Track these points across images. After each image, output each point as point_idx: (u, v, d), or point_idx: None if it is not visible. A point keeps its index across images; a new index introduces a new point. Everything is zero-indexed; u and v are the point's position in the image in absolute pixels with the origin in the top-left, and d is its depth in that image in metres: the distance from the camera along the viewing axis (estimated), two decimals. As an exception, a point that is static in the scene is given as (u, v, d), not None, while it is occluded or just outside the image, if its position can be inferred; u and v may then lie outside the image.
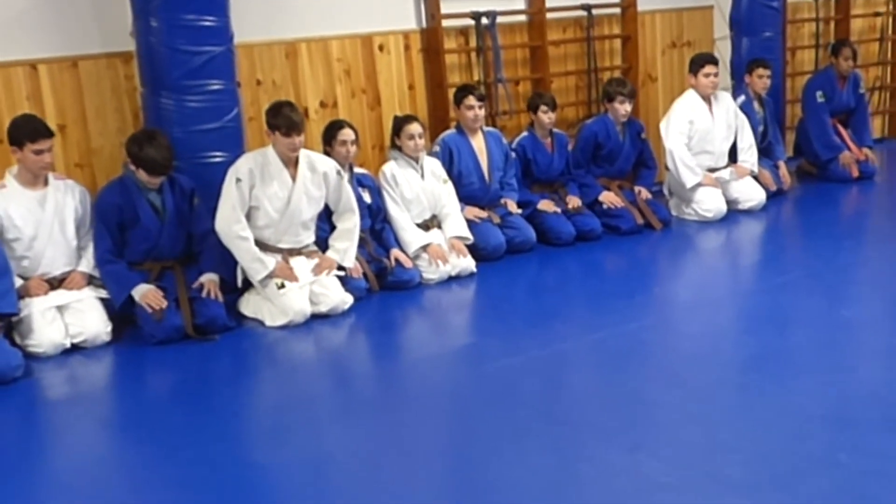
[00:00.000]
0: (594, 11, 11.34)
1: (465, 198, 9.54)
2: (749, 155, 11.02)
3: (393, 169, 9.05)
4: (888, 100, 14.51)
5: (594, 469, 5.28)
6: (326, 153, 8.58)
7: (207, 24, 8.01)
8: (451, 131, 9.72)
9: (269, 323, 7.94)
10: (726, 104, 11.04)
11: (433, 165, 9.27)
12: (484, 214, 9.51)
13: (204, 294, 7.74)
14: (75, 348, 7.53)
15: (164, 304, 7.58)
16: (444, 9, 10.17)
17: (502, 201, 9.76)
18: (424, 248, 8.84)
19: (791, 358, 6.84)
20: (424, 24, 10.20)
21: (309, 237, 8.33)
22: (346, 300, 8.12)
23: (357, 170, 8.93)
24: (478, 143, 9.67)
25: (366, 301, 8.32)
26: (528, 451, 5.59)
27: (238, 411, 6.55)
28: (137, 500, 5.37)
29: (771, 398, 6.16)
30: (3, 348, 6.99)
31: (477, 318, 8.16)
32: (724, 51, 12.40)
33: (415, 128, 9.06)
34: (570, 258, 9.45)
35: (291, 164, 8.00)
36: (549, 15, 10.96)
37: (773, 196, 11.09)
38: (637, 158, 10.71)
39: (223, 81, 8.18)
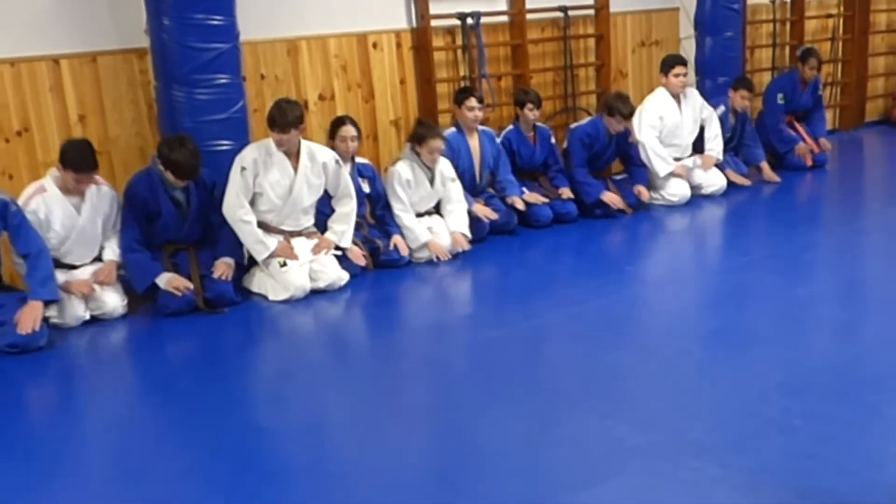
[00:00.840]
0: (570, 13, 11.32)
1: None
2: (715, 144, 11.00)
3: (407, 173, 8.90)
4: (839, 94, 14.52)
5: (570, 432, 5.30)
6: (331, 146, 8.56)
7: (215, 22, 7.99)
8: (452, 130, 9.62)
9: (272, 297, 7.94)
10: (694, 101, 11.02)
11: (444, 167, 9.14)
12: (494, 215, 9.44)
13: (216, 275, 7.74)
14: (94, 320, 7.53)
15: (190, 285, 7.61)
16: (433, 10, 10.16)
17: (509, 200, 9.66)
18: (426, 244, 8.80)
19: (750, 331, 6.86)
20: (414, 24, 10.18)
21: (309, 220, 8.32)
22: (343, 277, 8.12)
23: (358, 159, 8.88)
24: (473, 141, 9.62)
25: (361, 278, 8.32)
26: (510, 416, 5.61)
27: (243, 378, 6.56)
28: (152, 459, 5.38)
29: (731, 368, 6.18)
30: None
31: (463, 293, 8.17)
32: (689, 49, 12.39)
33: (438, 144, 8.91)
34: (548, 239, 9.45)
35: (293, 154, 8.00)
36: (529, 16, 10.95)
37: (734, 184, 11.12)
38: (624, 157, 10.67)
39: (230, 76, 8.16)
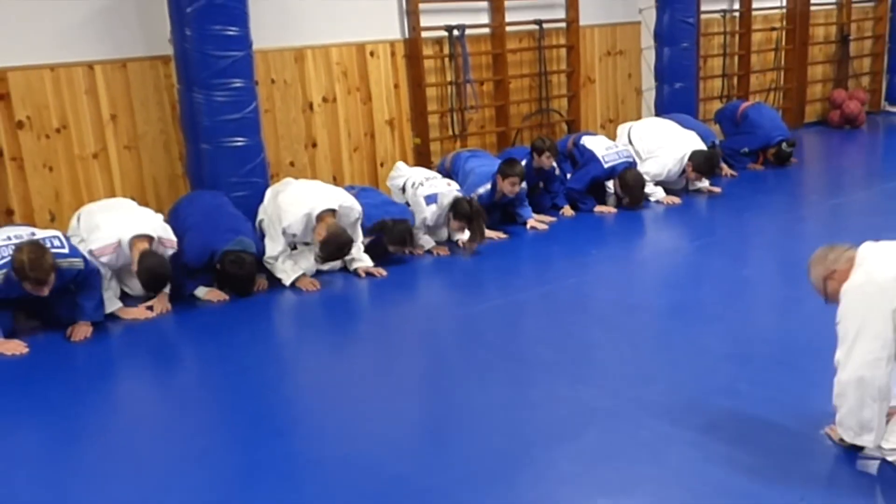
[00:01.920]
0: (544, 25, 11.30)
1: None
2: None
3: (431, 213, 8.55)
4: (782, 98, 14.53)
5: (543, 396, 5.32)
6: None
7: (231, 33, 7.97)
8: (488, 187, 9.03)
9: (286, 282, 7.78)
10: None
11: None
12: (544, 226, 9.30)
13: (258, 288, 7.65)
14: (125, 296, 7.45)
15: (226, 298, 7.46)
16: (424, 23, 10.14)
17: (529, 225, 9.34)
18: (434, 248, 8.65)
19: (701, 307, 6.88)
20: (407, 35, 10.17)
21: None
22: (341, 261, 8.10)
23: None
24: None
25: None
26: (489, 382, 5.66)
27: (258, 346, 6.54)
28: (176, 415, 5.43)
29: (685, 339, 6.22)
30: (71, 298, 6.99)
31: (450, 273, 8.15)
32: (649, 58, 12.41)
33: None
34: (524, 228, 9.42)
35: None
36: (508, 28, 10.93)
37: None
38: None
39: (244, 80, 8.14)
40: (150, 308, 7.20)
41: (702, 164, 10.17)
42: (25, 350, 6.47)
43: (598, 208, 9.98)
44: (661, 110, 11.90)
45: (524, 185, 9.12)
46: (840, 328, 4.33)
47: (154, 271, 6.93)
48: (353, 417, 5.29)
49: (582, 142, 10.24)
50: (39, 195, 7.93)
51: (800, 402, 5.04)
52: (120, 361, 6.54)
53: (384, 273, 7.88)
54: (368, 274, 7.89)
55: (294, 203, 7.69)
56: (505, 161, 9.07)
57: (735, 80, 13.80)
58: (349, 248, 7.69)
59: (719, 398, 5.16)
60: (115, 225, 7.12)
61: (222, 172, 8.16)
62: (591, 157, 10.00)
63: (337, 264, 8.03)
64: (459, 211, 8.22)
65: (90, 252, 6.95)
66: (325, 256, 7.70)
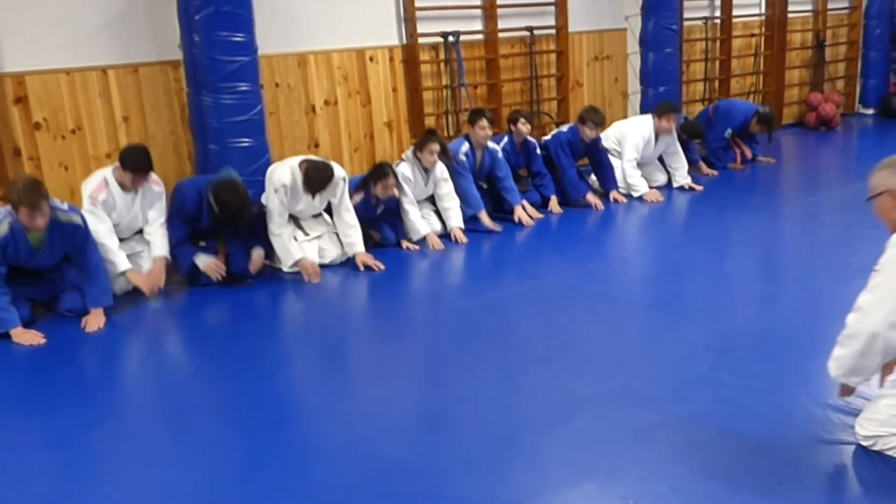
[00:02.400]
0: (535, 32, 11.29)
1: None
2: (681, 177, 10.76)
3: (406, 171, 8.77)
4: (760, 101, 14.52)
5: (533, 385, 5.32)
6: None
7: (237, 39, 7.98)
8: (467, 145, 9.33)
9: (286, 269, 7.90)
10: (671, 139, 10.79)
11: (439, 169, 8.98)
12: (499, 229, 9.17)
13: (252, 269, 7.73)
14: (136, 288, 7.46)
15: (224, 273, 7.59)
16: (420, 29, 10.14)
17: (516, 216, 9.39)
18: (424, 238, 8.70)
19: (685, 300, 6.88)
20: (405, 41, 10.16)
21: (329, 227, 8.28)
22: (343, 254, 8.12)
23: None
24: (479, 155, 9.47)
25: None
26: (483, 371, 5.64)
27: (261, 336, 6.55)
28: (185, 403, 5.43)
29: (668, 331, 6.21)
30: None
31: (444, 267, 8.16)
32: (634, 63, 12.41)
33: (436, 147, 8.78)
34: (516, 223, 9.44)
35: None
36: (501, 34, 10.92)
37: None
38: (594, 162, 10.46)
39: (249, 84, 8.14)
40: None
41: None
42: (43, 341, 6.47)
43: (590, 196, 10.08)
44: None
45: (503, 168, 9.53)
46: (876, 277, 4.15)
47: (135, 149, 7.41)
48: (352, 405, 5.30)
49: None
50: (55, 193, 7.86)
51: (778, 391, 5.04)
52: (127, 350, 6.54)
53: (382, 266, 7.88)
54: (367, 267, 7.91)
55: (281, 165, 7.95)
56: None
57: (716, 83, 13.81)
58: (331, 174, 7.79)
59: (701, 387, 5.17)
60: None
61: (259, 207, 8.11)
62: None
63: (337, 257, 8.08)
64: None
65: (89, 199, 7.17)
66: (310, 187, 7.76)
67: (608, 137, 10.60)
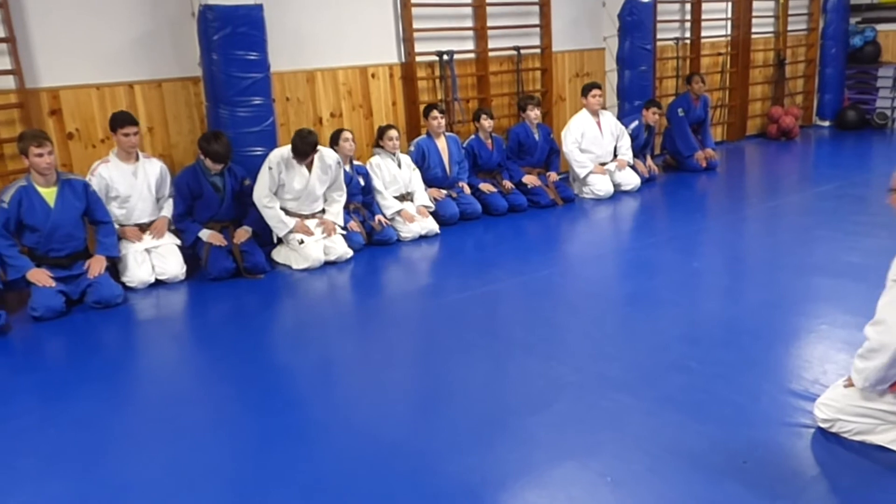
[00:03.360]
0: (522, 51, 11.26)
1: (432, 181, 9.56)
2: (625, 151, 11.03)
3: (377, 161, 9.12)
4: (727, 114, 14.52)
5: (519, 371, 5.32)
6: (333, 149, 8.55)
7: (252, 57, 7.98)
8: (423, 136, 9.71)
9: (294, 267, 7.94)
10: (609, 119, 11.02)
11: (406, 159, 9.33)
12: (442, 195, 9.51)
13: (236, 240, 7.79)
14: (158, 283, 7.56)
15: (224, 242, 7.73)
16: (418, 49, 10.10)
17: (459, 184, 9.76)
18: (398, 212, 8.91)
19: (656, 295, 6.87)
20: (403, 60, 10.13)
21: (320, 205, 8.31)
22: (348, 252, 8.12)
23: (355, 162, 8.90)
24: (441, 144, 9.63)
25: (361, 254, 8.28)
26: (473, 359, 5.64)
27: (271, 327, 6.54)
28: (199, 388, 5.43)
29: (642, 322, 6.20)
30: (110, 282, 7.06)
31: (438, 265, 8.14)
32: (612, 80, 12.38)
33: (393, 133, 9.13)
34: (503, 224, 9.42)
35: (307, 165, 8.05)
36: (491, 53, 10.89)
37: (647, 181, 11.13)
38: (549, 152, 10.70)
39: (262, 98, 8.14)
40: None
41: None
42: (52, 283, 6.75)
43: (526, 178, 10.41)
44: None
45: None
46: (893, 289, 3.93)
47: (118, 111, 7.77)
48: (354, 390, 5.30)
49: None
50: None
51: (743, 378, 5.04)
52: (148, 340, 6.48)
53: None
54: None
55: (278, 148, 8.16)
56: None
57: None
58: (315, 140, 7.93)
59: (672, 373, 5.15)
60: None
61: (248, 179, 8.16)
62: None
63: (343, 254, 8.11)
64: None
65: (98, 174, 7.49)
66: (296, 152, 7.90)
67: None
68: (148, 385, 5.53)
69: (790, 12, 15.28)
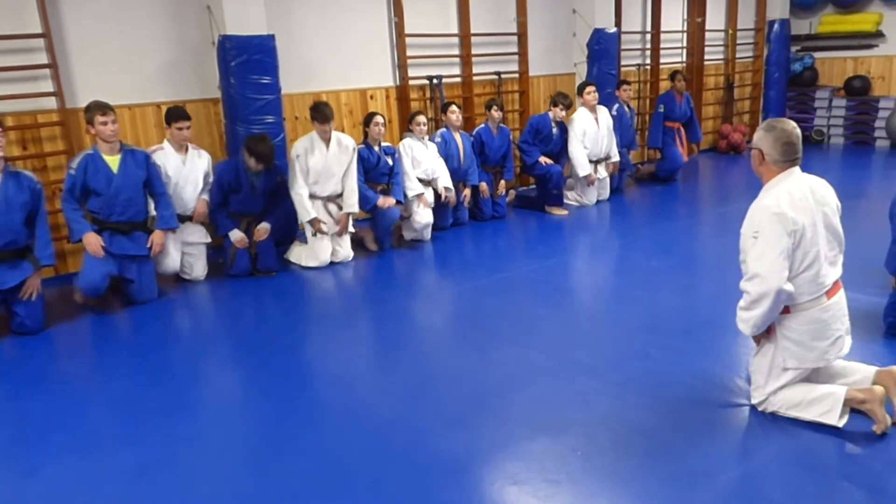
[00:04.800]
0: (502, 76, 11.27)
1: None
2: (615, 154, 10.77)
3: (409, 142, 8.96)
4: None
5: (501, 358, 5.33)
6: (365, 133, 8.50)
7: (265, 81, 7.98)
8: (444, 130, 9.50)
9: (304, 265, 7.94)
10: (604, 113, 10.79)
11: (433, 146, 9.17)
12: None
13: (256, 238, 7.68)
14: (186, 280, 7.59)
15: (247, 244, 7.63)
16: (411, 73, 10.08)
17: (464, 192, 9.57)
18: (419, 195, 8.76)
19: (621, 290, 6.89)
20: (398, 83, 10.11)
21: (338, 187, 8.11)
22: (351, 255, 8.12)
23: (384, 144, 8.65)
24: (458, 137, 9.46)
25: (359, 259, 8.31)
26: (459, 347, 5.68)
27: (284, 319, 6.53)
28: (218, 371, 5.45)
29: (607, 314, 6.24)
30: (152, 285, 7.06)
31: (431, 265, 8.13)
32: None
33: (421, 118, 9.01)
34: (488, 229, 9.39)
35: (326, 141, 7.93)
36: (475, 77, 10.89)
37: (614, 191, 11.10)
38: (505, 152, 10.19)
39: (274, 117, 8.13)
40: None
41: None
42: (102, 253, 6.62)
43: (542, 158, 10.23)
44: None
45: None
46: (757, 245, 4.16)
47: (172, 106, 7.64)
48: (354, 373, 5.32)
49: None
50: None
51: (697, 363, 5.06)
52: (173, 327, 6.49)
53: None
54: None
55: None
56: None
57: (647, 117, 13.79)
58: (331, 109, 7.91)
59: (635, 360, 5.18)
60: None
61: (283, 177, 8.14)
62: None
63: (349, 256, 8.12)
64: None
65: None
66: (317, 113, 7.88)
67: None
68: (172, 368, 5.49)
69: (738, 42, 15.35)
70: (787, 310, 4.21)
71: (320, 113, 7.84)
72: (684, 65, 14.42)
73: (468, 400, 4.72)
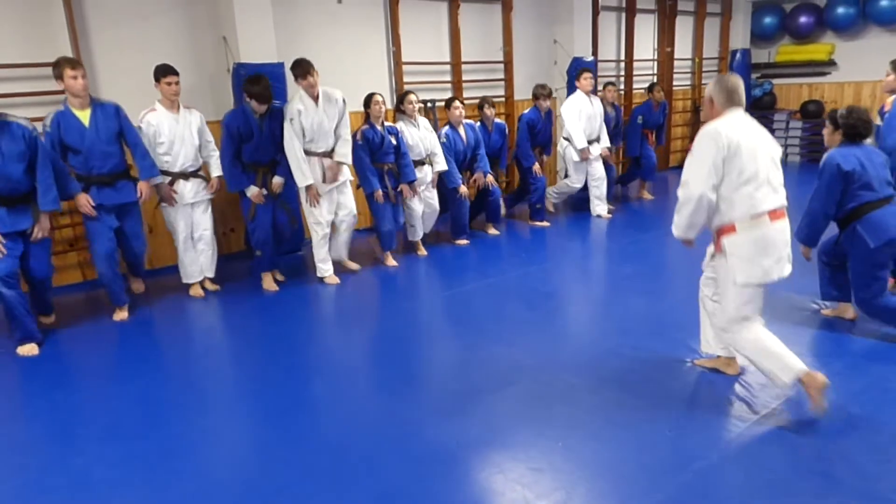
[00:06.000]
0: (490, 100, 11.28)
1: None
2: (605, 140, 10.63)
3: (400, 126, 8.46)
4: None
5: (488, 355, 5.32)
6: (367, 115, 8.12)
7: (275, 105, 7.89)
8: (447, 127, 9.12)
9: (312, 238, 7.65)
10: (597, 101, 10.56)
11: (424, 122, 8.76)
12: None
13: (274, 189, 7.34)
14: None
15: (263, 200, 7.25)
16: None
17: (476, 176, 9.30)
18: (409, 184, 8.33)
19: (597, 294, 6.91)
20: (395, 106, 10.12)
21: (331, 142, 7.59)
22: (354, 211, 7.81)
23: (386, 123, 8.27)
24: (461, 131, 9.15)
25: (370, 265, 8.28)
26: (448, 345, 5.69)
27: (288, 317, 6.52)
28: (232, 367, 5.42)
29: (584, 317, 6.25)
30: (140, 241, 6.98)
31: (420, 271, 8.11)
32: (562, 122, 12.35)
33: (412, 97, 8.64)
34: (473, 238, 9.39)
35: (314, 98, 7.41)
36: (466, 101, 10.87)
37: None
38: (500, 146, 9.87)
39: (282, 136, 8.09)
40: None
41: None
42: (94, 213, 6.40)
43: (535, 167, 10.03)
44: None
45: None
46: (690, 157, 4.35)
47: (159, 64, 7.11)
48: (354, 369, 5.30)
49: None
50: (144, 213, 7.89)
51: (665, 361, 5.07)
52: (187, 328, 6.44)
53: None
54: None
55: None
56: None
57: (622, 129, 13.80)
58: (308, 63, 7.30)
59: (609, 358, 5.17)
60: None
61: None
62: None
63: (351, 211, 7.82)
64: None
65: (147, 121, 6.99)
66: (298, 70, 7.26)
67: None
68: (187, 365, 5.49)
69: (704, 69, 15.38)
70: (733, 228, 4.31)
71: (301, 67, 7.28)
72: (655, 90, 14.44)
73: (458, 395, 4.71)
